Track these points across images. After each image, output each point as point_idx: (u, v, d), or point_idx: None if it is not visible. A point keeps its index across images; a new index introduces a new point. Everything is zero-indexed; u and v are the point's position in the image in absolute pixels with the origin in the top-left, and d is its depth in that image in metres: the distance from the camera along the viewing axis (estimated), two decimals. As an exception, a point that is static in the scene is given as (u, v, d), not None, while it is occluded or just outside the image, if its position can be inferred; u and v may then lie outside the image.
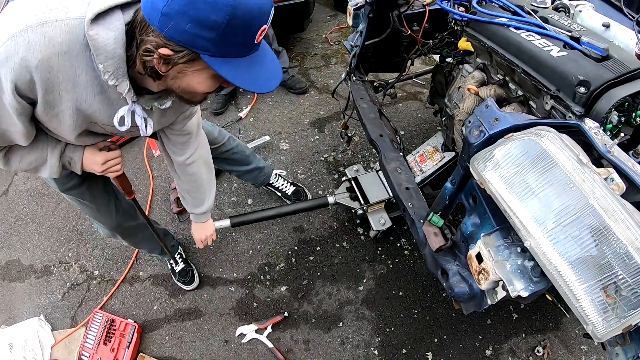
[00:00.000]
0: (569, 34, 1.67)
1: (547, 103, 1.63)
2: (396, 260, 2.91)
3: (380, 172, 2.73)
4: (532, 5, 1.93)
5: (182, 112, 1.77)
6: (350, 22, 2.68)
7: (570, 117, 1.53)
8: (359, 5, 2.59)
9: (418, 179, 2.80)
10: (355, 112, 2.58)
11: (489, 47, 1.86)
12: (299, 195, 3.23)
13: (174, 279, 2.90)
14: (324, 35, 5.06)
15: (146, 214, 2.61)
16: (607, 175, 1.15)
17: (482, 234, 1.44)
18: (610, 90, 1.48)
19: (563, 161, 1.17)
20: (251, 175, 2.97)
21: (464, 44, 2.26)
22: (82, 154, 1.66)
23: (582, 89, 1.48)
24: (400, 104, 3.97)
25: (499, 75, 1.96)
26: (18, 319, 2.88)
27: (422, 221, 1.83)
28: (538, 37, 1.70)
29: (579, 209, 1.12)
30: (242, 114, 3.98)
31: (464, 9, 2.19)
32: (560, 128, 1.29)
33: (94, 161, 1.67)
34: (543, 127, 1.26)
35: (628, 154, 1.43)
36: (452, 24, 2.39)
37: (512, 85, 1.88)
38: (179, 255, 2.92)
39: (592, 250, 1.10)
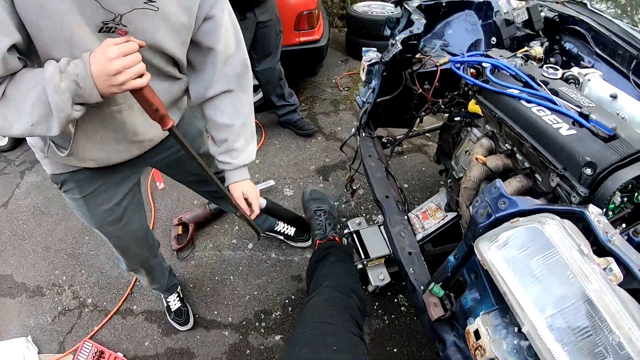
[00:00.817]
0: (579, 109, 1.69)
1: (552, 180, 1.64)
2: (392, 316, 2.86)
3: (382, 227, 2.72)
4: (544, 76, 1.95)
5: None
6: (363, 77, 2.71)
7: (574, 196, 1.54)
8: (373, 61, 2.63)
9: (419, 236, 2.78)
10: (362, 168, 2.59)
11: (499, 117, 1.88)
12: (301, 235, 3.22)
13: (168, 317, 2.84)
14: (334, 80, 5.13)
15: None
16: (606, 265, 1.16)
17: (481, 312, 1.44)
18: (615, 172, 1.49)
19: (564, 250, 1.19)
20: (257, 220, 2.88)
21: (473, 106, 2.28)
22: (88, 61, 1.21)
23: (588, 171, 1.49)
24: (406, 157, 3.98)
25: (506, 145, 1.97)
26: (5, 336, 2.85)
27: (422, 288, 1.82)
28: (548, 112, 1.72)
29: (576, 298, 1.14)
30: (250, 156, 3.98)
31: (474, 72, 2.21)
32: (565, 214, 1.30)
33: (107, 60, 1.19)
34: (548, 215, 1.27)
35: (628, 232, 1.45)
36: (463, 86, 2.41)
37: (519, 156, 1.89)
38: (177, 294, 2.88)
39: (588, 338, 1.12)
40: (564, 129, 1.64)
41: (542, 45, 2.55)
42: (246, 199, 1.96)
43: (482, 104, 2.01)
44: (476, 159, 1.94)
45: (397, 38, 2.43)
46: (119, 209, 1.93)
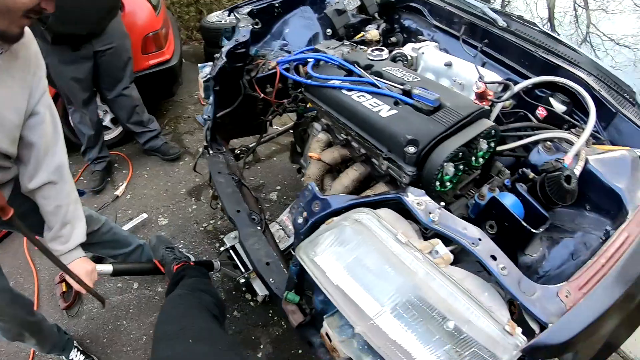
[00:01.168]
0: (401, 87, 1.58)
1: (382, 164, 1.53)
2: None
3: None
4: (369, 59, 1.84)
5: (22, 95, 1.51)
6: (202, 94, 2.53)
7: (404, 177, 1.44)
8: (208, 77, 2.45)
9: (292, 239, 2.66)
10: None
11: (325, 110, 1.75)
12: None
13: None
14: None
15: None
16: (430, 248, 1.06)
17: (325, 316, 1.35)
18: (441, 144, 1.39)
19: (381, 243, 1.10)
20: (135, 255, 2.72)
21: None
22: None
23: (411, 149, 1.39)
24: (275, 158, 3.86)
25: (342, 135, 1.85)
26: None
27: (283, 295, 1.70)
28: (369, 96, 1.61)
29: (404, 290, 1.05)
30: (118, 192, 3.70)
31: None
32: (382, 203, 1.17)
33: None
34: (361, 209, 1.15)
35: (474, 197, 1.36)
36: (291, 87, 2.31)
37: (354, 144, 1.78)
38: (76, 349, 2.63)
39: (425, 328, 1.04)
40: (384, 111, 1.53)
41: (378, 27, 2.50)
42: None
43: (311, 100, 1.88)
44: (310, 156, 1.80)
45: (222, 50, 2.27)
46: None
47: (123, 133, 4.08)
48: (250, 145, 2.74)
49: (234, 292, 2.91)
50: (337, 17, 2.49)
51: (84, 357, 2.61)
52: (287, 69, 2.09)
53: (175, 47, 4.20)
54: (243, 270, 2.45)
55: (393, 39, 2.56)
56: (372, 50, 1.93)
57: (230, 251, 2.53)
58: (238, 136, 2.79)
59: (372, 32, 2.36)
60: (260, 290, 2.38)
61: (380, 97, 1.60)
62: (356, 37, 2.40)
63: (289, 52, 2.58)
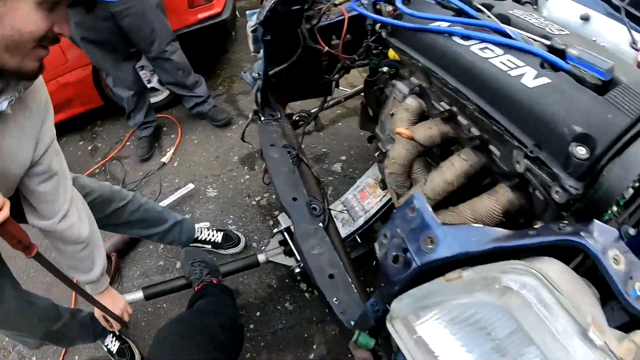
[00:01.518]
0: (547, 42, 0.96)
1: (518, 162, 0.94)
2: (349, 317, 2.24)
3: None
4: (483, -3, 1.23)
5: (35, 135, 1.32)
6: (252, 47, 2.01)
7: (558, 193, 0.84)
8: (255, 26, 1.93)
9: (361, 221, 2.18)
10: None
11: (424, 66, 1.16)
12: (230, 240, 2.62)
13: None
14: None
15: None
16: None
17: None
18: (627, 148, 0.79)
19: (556, 341, 0.56)
20: (172, 234, 2.40)
21: (392, 53, 1.59)
22: None
23: (581, 151, 0.79)
24: (340, 123, 3.32)
25: (442, 104, 1.26)
26: None
27: (353, 323, 1.22)
28: (499, 50, 1.00)
29: None
30: (165, 159, 3.31)
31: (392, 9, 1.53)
32: (547, 248, 0.60)
33: None
34: (515, 266, 0.58)
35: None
36: (370, 30, 1.75)
37: (462, 120, 1.18)
38: (112, 334, 2.39)
39: None
40: (529, 77, 0.93)
41: None
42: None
43: (399, 49, 1.29)
44: (398, 133, 1.22)
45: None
46: None
47: (172, 95, 3.69)
48: (312, 111, 2.19)
49: (286, 280, 2.46)
50: None
51: (119, 342, 2.38)
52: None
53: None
54: (299, 257, 1.98)
55: None
56: (486, -13, 1.29)
57: (285, 234, 2.11)
58: (297, 99, 2.27)
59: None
60: None
61: (515, 54, 0.99)
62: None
63: None
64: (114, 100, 3.47)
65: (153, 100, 3.56)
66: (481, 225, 0.68)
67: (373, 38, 1.80)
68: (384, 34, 1.54)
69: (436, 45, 1.11)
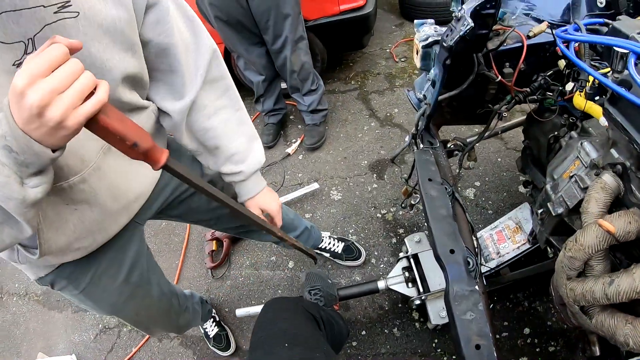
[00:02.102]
0: None
1: None
2: (453, 357, 2.18)
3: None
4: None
5: None
6: (418, 63, 1.88)
7: None
8: (430, 41, 1.80)
9: (493, 264, 2.07)
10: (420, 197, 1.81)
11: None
12: (351, 252, 2.57)
13: (208, 344, 2.46)
14: (388, 50, 4.24)
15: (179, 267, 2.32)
16: None
17: None
18: None
19: None
20: (300, 240, 2.33)
21: (581, 102, 1.44)
22: (9, 110, 0.70)
23: None
24: (477, 144, 3.12)
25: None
26: (54, 349, 2.72)
27: None
28: None
29: None
30: (290, 150, 3.31)
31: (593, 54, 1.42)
32: None
33: (20, 95, 0.68)
34: None
35: None
36: (565, 69, 1.59)
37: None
38: (212, 320, 2.49)
39: None
40: None
41: None
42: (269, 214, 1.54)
43: (614, 121, 1.15)
44: (600, 225, 1.09)
45: (464, 8, 1.55)
46: (128, 286, 1.51)
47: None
48: (469, 140, 2.06)
49: (399, 305, 2.39)
50: (620, -20, 1.67)
51: (218, 329, 2.47)
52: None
53: (370, -9, 3.60)
54: (422, 289, 2.01)
55: None
56: None
57: (411, 260, 2.11)
58: (452, 123, 2.14)
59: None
60: (434, 319, 1.99)
61: None
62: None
63: (538, 20, 1.85)
64: (243, 83, 3.47)
65: (284, 85, 3.50)
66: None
67: (550, 73, 1.67)
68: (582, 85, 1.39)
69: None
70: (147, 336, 2.57)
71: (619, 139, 1.22)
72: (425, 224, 1.77)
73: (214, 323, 2.46)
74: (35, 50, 0.82)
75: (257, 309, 2.16)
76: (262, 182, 1.51)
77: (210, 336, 2.43)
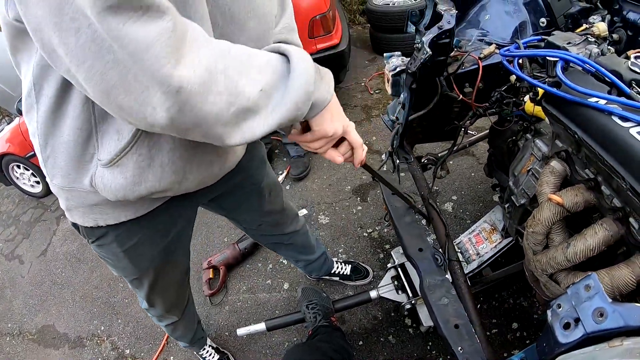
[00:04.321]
0: None
1: None
2: (448, 358, 2.33)
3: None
4: (634, 71, 1.32)
5: None
6: (389, 90, 2.15)
7: None
8: (398, 70, 2.07)
9: (474, 264, 2.27)
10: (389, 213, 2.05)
11: (580, 137, 1.28)
12: (359, 272, 2.74)
13: None
14: (363, 84, 4.58)
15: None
16: None
17: None
18: None
19: None
20: (316, 264, 2.52)
21: (531, 108, 1.70)
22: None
23: None
24: (451, 162, 3.40)
25: (587, 172, 1.36)
26: None
27: None
28: (658, 137, 1.11)
29: None
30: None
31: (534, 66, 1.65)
32: None
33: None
34: None
35: None
36: (516, 82, 1.84)
37: (605, 190, 1.28)
38: (209, 347, 2.53)
39: None
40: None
41: (604, 20, 1.90)
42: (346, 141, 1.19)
43: (552, 116, 1.41)
44: (550, 199, 1.34)
45: (423, 40, 1.83)
46: (163, 254, 1.55)
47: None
48: (440, 155, 2.32)
49: (392, 314, 2.56)
50: (556, 2, 1.99)
51: (218, 355, 2.52)
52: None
53: (343, 31, 3.91)
54: (411, 294, 2.15)
55: (615, 36, 1.93)
56: (636, 58, 1.39)
57: (398, 269, 2.26)
58: (424, 141, 2.39)
59: (600, 26, 1.70)
60: (426, 321, 2.10)
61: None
62: (576, 32, 1.85)
63: (490, 44, 2.09)
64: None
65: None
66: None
67: (505, 88, 1.90)
68: (530, 92, 1.64)
69: (596, 122, 1.21)
70: None
71: (559, 130, 1.48)
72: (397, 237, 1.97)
73: (213, 350, 2.52)
74: None
75: (257, 327, 2.28)
76: (329, 92, 1.04)
77: None
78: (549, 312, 0.93)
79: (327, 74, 1.00)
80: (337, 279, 2.75)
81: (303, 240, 2.27)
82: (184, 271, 1.83)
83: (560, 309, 0.90)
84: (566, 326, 0.86)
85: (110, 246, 1.39)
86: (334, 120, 1.04)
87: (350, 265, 2.74)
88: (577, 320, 0.85)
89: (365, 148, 1.24)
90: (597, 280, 0.86)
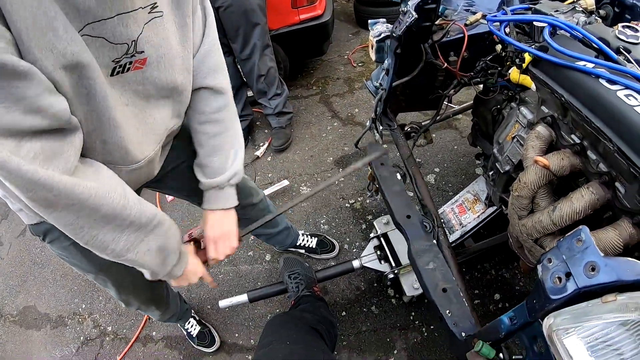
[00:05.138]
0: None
1: None
2: (431, 327, 2.36)
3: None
4: (620, 39, 1.33)
5: None
6: (373, 56, 2.13)
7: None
8: (382, 36, 2.06)
9: (457, 234, 2.28)
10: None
11: (566, 101, 1.28)
12: (325, 246, 2.74)
13: (192, 344, 2.52)
14: (346, 57, 4.55)
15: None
16: None
17: None
18: None
19: None
20: (279, 237, 2.53)
21: (517, 76, 1.69)
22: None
23: None
24: (434, 135, 3.38)
25: (573, 137, 1.36)
26: None
27: (464, 335, 1.36)
28: (643, 100, 1.11)
29: None
30: (259, 153, 3.51)
31: (520, 33, 1.66)
32: None
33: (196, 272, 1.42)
34: None
35: None
36: (501, 50, 1.82)
37: (591, 154, 1.29)
38: (193, 319, 2.53)
39: None
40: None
41: None
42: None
43: (539, 80, 1.41)
44: (536, 161, 1.34)
45: (409, 4, 1.83)
46: None
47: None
48: (423, 123, 2.31)
49: (375, 285, 2.58)
50: (544, -29, 1.95)
51: (200, 327, 2.53)
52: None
53: (327, 2, 3.86)
54: (393, 264, 2.16)
55: (601, 12, 1.94)
56: (623, 27, 1.39)
57: (381, 239, 2.27)
58: (408, 110, 2.38)
59: (588, 0, 1.78)
60: (409, 291, 2.11)
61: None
62: (564, 3, 1.84)
63: (475, 13, 2.10)
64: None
65: (249, 93, 3.73)
66: (634, 260, 0.81)
67: (490, 57, 1.89)
68: (515, 59, 1.63)
69: (583, 85, 1.20)
70: (130, 343, 2.61)
71: (545, 96, 1.48)
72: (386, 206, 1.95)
73: (195, 322, 2.53)
74: (137, 50, 1.00)
75: (239, 298, 2.27)
76: (224, 202, 1.50)
77: (194, 335, 2.50)
78: (539, 267, 0.93)
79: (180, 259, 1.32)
80: (302, 251, 2.76)
81: (262, 215, 2.16)
82: None
83: (550, 264, 0.89)
84: (557, 281, 0.86)
85: (59, 240, 1.40)
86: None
87: (316, 239, 2.75)
88: (569, 275, 0.84)
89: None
90: (588, 233, 0.85)
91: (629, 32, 1.36)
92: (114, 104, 1.00)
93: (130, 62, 1.01)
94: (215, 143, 1.43)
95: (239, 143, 1.49)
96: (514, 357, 1.18)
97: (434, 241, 1.68)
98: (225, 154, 1.45)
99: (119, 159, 1.13)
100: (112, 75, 0.99)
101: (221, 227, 1.49)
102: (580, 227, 0.87)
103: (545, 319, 0.87)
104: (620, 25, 1.39)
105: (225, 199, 1.49)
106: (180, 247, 1.26)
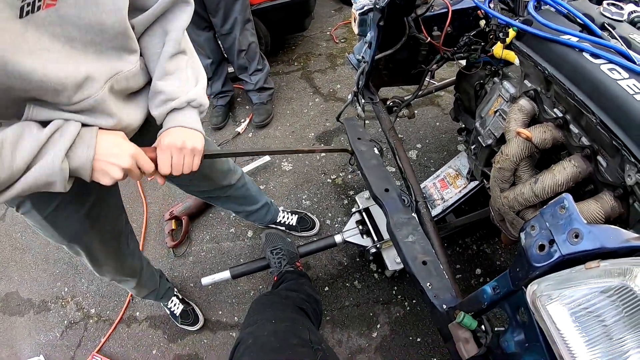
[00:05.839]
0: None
1: (630, 176, 1.07)
2: (414, 302, 2.39)
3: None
4: (605, 16, 1.34)
5: None
6: (356, 29, 2.12)
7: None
8: (366, 9, 2.04)
9: (439, 209, 2.31)
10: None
11: (550, 74, 1.29)
12: (305, 223, 2.74)
13: (176, 323, 2.51)
14: (328, 33, 4.50)
15: (140, 247, 2.27)
16: None
17: None
18: None
19: None
20: (259, 214, 2.50)
21: (500, 51, 1.70)
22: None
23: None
24: (416, 111, 3.38)
25: (556, 110, 1.38)
26: (21, 355, 2.66)
27: (445, 307, 1.36)
28: (625, 74, 1.12)
29: None
30: (239, 129, 3.47)
31: (504, 9, 1.67)
32: None
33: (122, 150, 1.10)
34: None
35: None
36: (485, 26, 1.82)
37: (574, 128, 1.30)
38: (175, 297, 2.52)
39: None
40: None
41: None
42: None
43: (523, 54, 1.41)
44: (518, 133, 1.35)
45: (395, -25, 1.82)
46: (88, 220, 1.52)
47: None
48: (406, 98, 2.31)
49: (357, 260, 2.59)
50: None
51: (183, 305, 2.51)
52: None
53: (309, -24, 3.81)
54: (376, 238, 2.17)
55: None
56: (608, 5, 1.41)
57: (363, 214, 2.27)
58: (390, 84, 2.37)
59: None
60: (391, 265, 2.12)
61: (640, 79, 1.11)
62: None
63: None
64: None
65: (230, 69, 3.69)
66: (617, 227, 0.82)
67: (474, 32, 1.89)
68: (499, 34, 1.64)
69: (567, 58, 1.21)
70: (115, 324, 2.60)
71: (529, 70, 1.48)
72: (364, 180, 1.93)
73: (178, 300, 2.51)
74: None
75: (222, 275, 2.26)
76: (188, 120, 1.27)
77: (177, 314, 2.49)
78: (522, 235, 0.94)
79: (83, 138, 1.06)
80: (282, 228, 2.74)
81: (242, 192, 2.23)
82: (116, 236, 1.74)
83: (534, 231, 0.90)
84: (540, 248, 0.87)
85: (31, 213, 1.39)
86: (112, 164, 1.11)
87: (296, 216, 2.74)
88: (552, 242, 0.85)
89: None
90: (571, 200, 0.86)
91: (613, 9, 1.37)
92: (29, 50, 0.89)
93: (39, 4, 0.88)
94: (170, 66, 1.24)
95: (200, 72, 1.33)
96: (495, 329, 1.20)
97: (414, 214, 1.69)
98: (185, 78, 1.27)
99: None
100: (21, 17, 0.86)
101: (181, 139, 1.24)
102: (564, 194, 0.88)
103: (529, 285, 0.88)
104: (605, 2, 1.41)
105: (184, 118, 1.26)
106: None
